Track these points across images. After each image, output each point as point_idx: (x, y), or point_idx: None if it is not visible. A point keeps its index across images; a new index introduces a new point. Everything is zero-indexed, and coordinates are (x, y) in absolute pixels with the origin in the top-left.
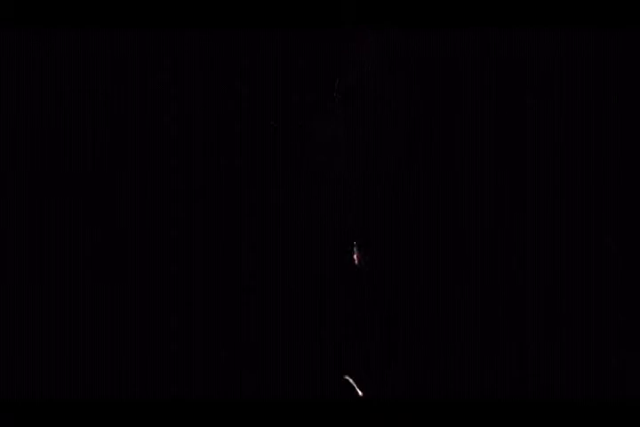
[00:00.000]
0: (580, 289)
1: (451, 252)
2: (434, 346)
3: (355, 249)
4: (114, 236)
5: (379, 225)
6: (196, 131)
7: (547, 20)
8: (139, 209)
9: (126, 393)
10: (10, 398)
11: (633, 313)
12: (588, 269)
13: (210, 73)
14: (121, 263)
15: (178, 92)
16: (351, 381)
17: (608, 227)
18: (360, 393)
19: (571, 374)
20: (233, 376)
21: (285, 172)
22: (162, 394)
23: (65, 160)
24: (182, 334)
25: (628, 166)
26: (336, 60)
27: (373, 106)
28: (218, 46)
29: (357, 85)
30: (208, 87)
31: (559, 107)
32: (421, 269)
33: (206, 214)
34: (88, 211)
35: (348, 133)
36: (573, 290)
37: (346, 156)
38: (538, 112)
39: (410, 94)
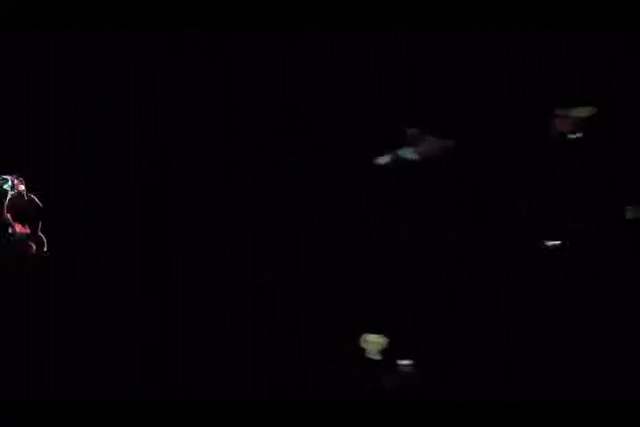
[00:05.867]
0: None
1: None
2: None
3: None
4: (114, 240)
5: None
6: (195, 130)
7: (547, 20)
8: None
9: (125, 394)
10: (10, 398)
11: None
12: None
13: (209, 72)
14: (120, 268)
15: (178, 90)
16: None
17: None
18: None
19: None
20: (232, 377)
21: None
22: (161, 395)
23: (62, 156)
24: (182, 338)
25: (630, 161)
26: (336, 59)
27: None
28: (217, 46)
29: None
30: (207, 86)
31: (559, 105)
32: (418, 271)
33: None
34: (88, 213)
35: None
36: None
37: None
38: (538, 110)
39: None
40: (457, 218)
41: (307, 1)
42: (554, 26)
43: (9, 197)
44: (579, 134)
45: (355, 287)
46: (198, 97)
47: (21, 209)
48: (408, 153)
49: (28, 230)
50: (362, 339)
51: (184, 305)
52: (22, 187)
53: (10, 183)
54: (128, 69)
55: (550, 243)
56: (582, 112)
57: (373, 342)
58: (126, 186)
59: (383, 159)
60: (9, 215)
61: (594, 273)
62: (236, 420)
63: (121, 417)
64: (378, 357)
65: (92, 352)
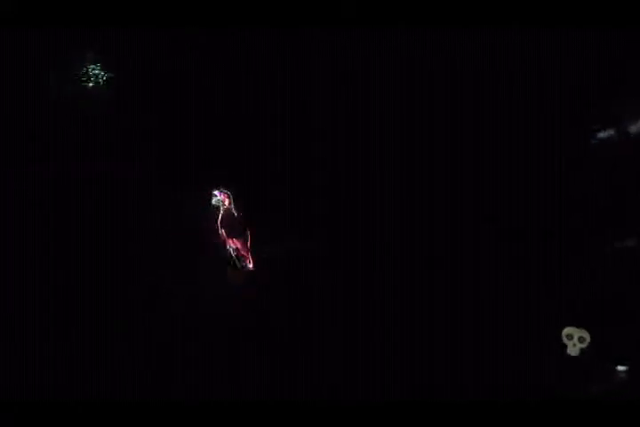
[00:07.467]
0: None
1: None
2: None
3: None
4: (120, 244)
5: None
6: (196, 129)
7: (547, 20)
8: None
9: (125, 394)
10: (10, 398)
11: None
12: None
13: (209, 72)
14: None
15: (178, 89)
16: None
17: None
18: None
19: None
20: (231, 378)
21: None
22: (159, 395)
23: (62, 155)
24: (182, 340)
25: (632, 162)
26: (336, 59)
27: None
28: (217, 46)
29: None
30: (207, 86)
31: (559, 105)
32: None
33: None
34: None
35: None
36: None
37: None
38: (538, 110)
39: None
40: None
41: (307, 1)
42: (554, 26)
43: (221, 212)
44: None
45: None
46: (198, 97)
47: (231, 224)
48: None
49: (238, 245)
50: (565, 333)
51: (184, 307)
52: (227, 201)
53: (219, 197)
54: (128, 69)
55: None
56: None
57: (574, 336)
58: (126, 183)
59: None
60: (223, 231)
61: None
62: (236, 420)
63: (121, 417)
64: (576, 352)
65: (93, 353)
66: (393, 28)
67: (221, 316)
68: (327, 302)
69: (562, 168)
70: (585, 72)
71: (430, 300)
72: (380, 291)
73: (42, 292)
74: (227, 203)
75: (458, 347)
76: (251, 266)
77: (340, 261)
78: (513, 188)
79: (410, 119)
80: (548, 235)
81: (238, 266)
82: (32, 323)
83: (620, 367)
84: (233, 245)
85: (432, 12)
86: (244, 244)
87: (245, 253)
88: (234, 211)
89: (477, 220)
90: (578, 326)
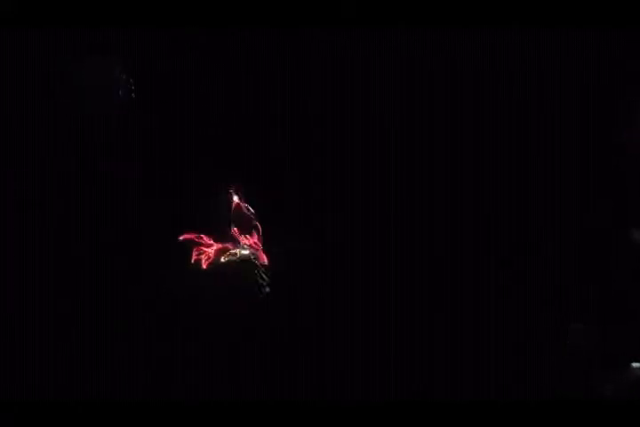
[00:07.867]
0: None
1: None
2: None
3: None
4: (122, 245)
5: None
6: (197, 129)
7: (547, 20)
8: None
9: (125, 394)
10: (10, 398)
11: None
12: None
13: (209, 72)
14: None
15: (177, 90)
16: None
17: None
18: None
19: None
20: (231, 378)
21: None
22: (159, 395)
23: (62, 156)
24: (182, 340)
25: (633, 162)
26: (336, 59)
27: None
28: (217, 46)
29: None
30: (207, 86)
31: (559, 106)
32: (416, 275)
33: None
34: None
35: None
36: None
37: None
38: (538, 111)
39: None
40: None
41: (307, 1)
42: (554, 26)
43: (232, 209)
44: None
45: None
46: (198, 96)
47: (242, 221)
48: None
49: (252, 240)
50: (572, 329)
51: (184, 307)
52: (236, 198)
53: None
54: (128, 69)
55: None
56: None
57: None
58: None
59: None
60: (236, 229)
61: None
62: (236, 420)
63: (121, 417)
64: (581, 349)
65: (93, 353)
66: (393, 28)
67: (221, 316)
68: (327, 301)
69: (562, 168)
70: (585, 72)
71: (430, 300)
72: (380, 290)
73: (42, 292)
74: (236, 199)
75: (458, 347)
76: (266, 262)
77: (340, 261)
78: (513, 187)
79: (410, 119)
80: (549, 235)
81: (255, 261)
82: (32, 323)
83: (636, 364)
84: (247, 241)
85: (432, 12)
86: (258, 239)
87: (259, 249)
88: (244, 207)
89: (477, 219)
90: (585, 323)
